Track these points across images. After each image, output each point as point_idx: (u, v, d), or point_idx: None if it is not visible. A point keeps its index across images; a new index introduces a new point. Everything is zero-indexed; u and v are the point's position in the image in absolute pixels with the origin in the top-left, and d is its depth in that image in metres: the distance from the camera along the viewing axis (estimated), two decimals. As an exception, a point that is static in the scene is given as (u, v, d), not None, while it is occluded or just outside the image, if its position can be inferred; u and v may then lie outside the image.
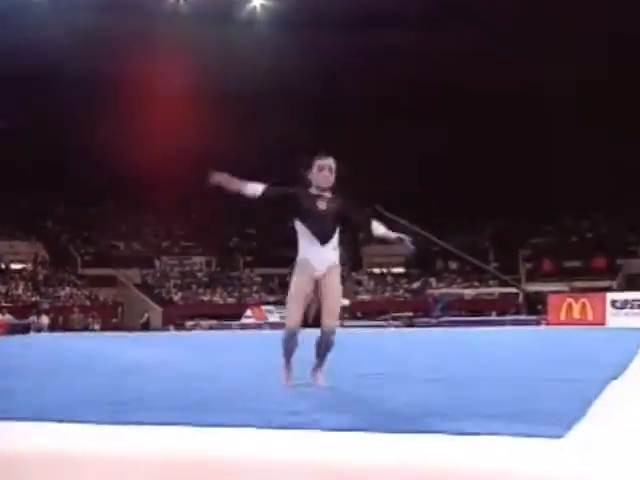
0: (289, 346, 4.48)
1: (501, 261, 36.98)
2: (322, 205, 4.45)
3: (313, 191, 4.46)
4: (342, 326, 26.69)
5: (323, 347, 4.46)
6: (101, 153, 35.80)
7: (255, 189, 4.39)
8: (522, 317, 26.86)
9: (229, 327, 28.75)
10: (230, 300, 36.86)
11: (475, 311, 29.84)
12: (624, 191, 34.98)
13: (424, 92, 32.80)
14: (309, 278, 4.42)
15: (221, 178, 4.33)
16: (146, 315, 31.45)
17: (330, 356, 4.52)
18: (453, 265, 38.57)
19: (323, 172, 4.43)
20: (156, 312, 33.91)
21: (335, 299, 4.44)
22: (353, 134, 33.64)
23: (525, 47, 30.71)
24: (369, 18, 30.54)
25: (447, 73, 31.70)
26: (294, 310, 4.42)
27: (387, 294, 37.52)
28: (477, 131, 34.84)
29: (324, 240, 4.44)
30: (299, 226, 4.46)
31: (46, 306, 32.14)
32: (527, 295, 29.03)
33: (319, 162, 4.45)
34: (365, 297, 37.25)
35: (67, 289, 35.64)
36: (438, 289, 35.43)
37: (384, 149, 35.77)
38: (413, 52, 30.60)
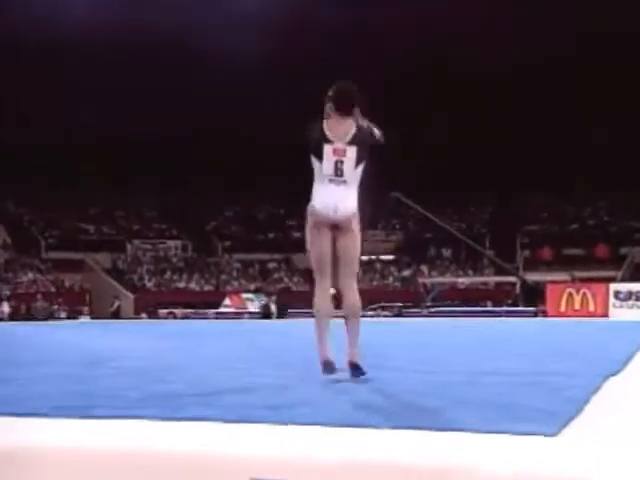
0: (320, 323, 4.42)
1: (497, 248, 37.19)
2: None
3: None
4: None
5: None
6: (66, 131, 35.62)
7: None
8: (519, 308, 27.06)
9: (206, 316, 28.79)
10: (207, 287, 36.83)
11: (469, 301, 30.01)
12: (628, 176, 35.27)
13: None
14: (327, 228, 4.39)
15: None
16: (117, 303, 31.37)
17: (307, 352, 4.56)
18: (446, 252, 38.73)
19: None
20: (127, 299, 33.84)
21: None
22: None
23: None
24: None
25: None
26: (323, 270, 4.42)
27: (375, 282, 37.65)
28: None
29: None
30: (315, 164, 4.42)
31: (7, 293, 31.96)
32: (526, 284, 29.24)
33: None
34: (352, 286, 37.31)
35: (30, 274, 35.47)
36: (430, 277, 35.61)
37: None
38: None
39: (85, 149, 37.08)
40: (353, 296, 4.54)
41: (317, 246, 4.48)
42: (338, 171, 4.38)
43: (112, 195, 40.95)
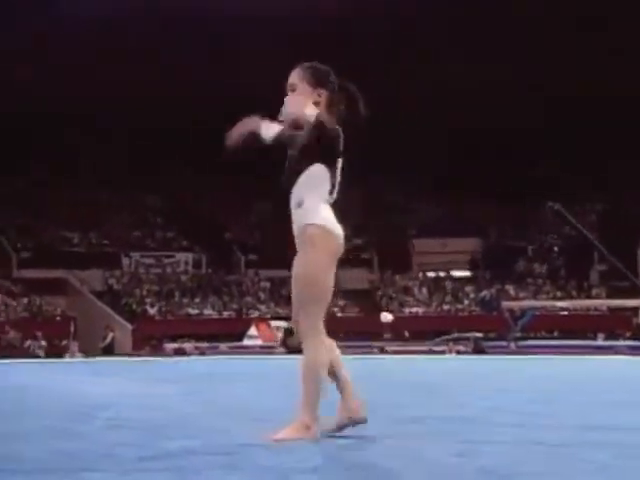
0: (321, 384, 4.38)
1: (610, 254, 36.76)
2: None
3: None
4: (383, 351, 26.78)
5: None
6: (42, 107, 36.23)
7: (269, 131, 4.63)
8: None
9: (225, 351, 28.92)
10: (227, 314, 37.03)
11: (572, 332, 29.66)
12: None
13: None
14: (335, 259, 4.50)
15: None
16: (110, 335, 31.68)
17: (364, 395, 4.57)
18: (540, 267, 38.40)
19: None
20: (124, 330, 34.13)
21: None
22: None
23: None
24: None
25: None
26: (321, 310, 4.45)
27: (446, 307, 37.46)
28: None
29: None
30: (323, 173, 4.49)
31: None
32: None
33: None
34: (415, 310, 37.24)
35: (-2, 298, 36.01)
36: (519, 300, 35.29)
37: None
38: None
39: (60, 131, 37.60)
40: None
41: (330, 280, 4.46)
42: (335, 191, 4.54)
43: (102, 193, 41.40)
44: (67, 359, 26.62)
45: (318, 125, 4.34)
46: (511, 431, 4.75)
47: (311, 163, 4.42)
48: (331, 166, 4.46)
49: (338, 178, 4.50)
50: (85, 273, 38.06)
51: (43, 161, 38.64)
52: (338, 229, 4.46)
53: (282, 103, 4.52)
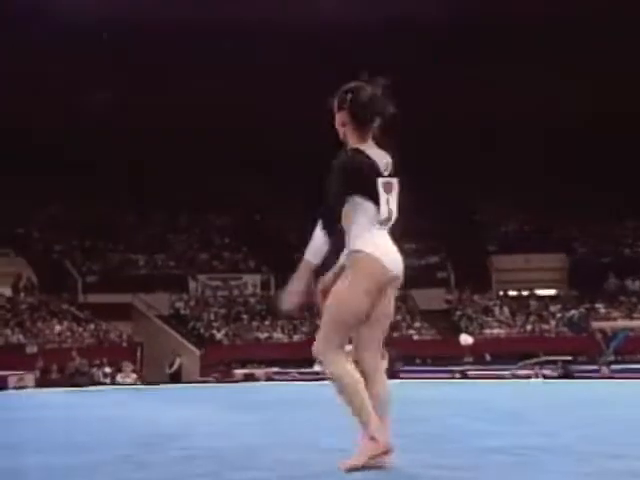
0: (359, 388, 4.58)
1: None
2: None
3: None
4: (464, 376, 26.56)
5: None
6: (106, 130, 36.94)
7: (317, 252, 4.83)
8: None
9: (296, 377, 28.96)
10: (297, 337, 37.07)
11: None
12: None
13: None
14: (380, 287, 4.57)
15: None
16: (178, 360, 31.96)
17: (444, 422, 4.56)
18: (633, 284, 37.76)
19: None
20: (192, 356, 34.37)
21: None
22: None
23: None
24: None
25: None
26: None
27: (529, 327, 37.02)
28: None
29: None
30: (361, 201, 4.59)
31: (34, 349, 32.96)
32: None
33: None
34: (497, 332, 36.88)
35: (64, 324, 36.54)
36: (610, 319, 34.73)
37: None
38: None
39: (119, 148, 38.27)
40: (386, 380, 4.82)
41: (362, 307, 4.60)
42: (390, 213, 4.59)
43: (166, 213, 41.91)
44: (121, 381, 26.93)
45: (341, 164, 4.53)
46: (606, 462, 4.67)
47: (347, 197, 4.56)
48: (369, 192, 4.54)
49: (385, 198, 4.56)
50: (151, 297, 38.42)
51: (110, 184, 39.27)
52: (388, 258, 4.54)
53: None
